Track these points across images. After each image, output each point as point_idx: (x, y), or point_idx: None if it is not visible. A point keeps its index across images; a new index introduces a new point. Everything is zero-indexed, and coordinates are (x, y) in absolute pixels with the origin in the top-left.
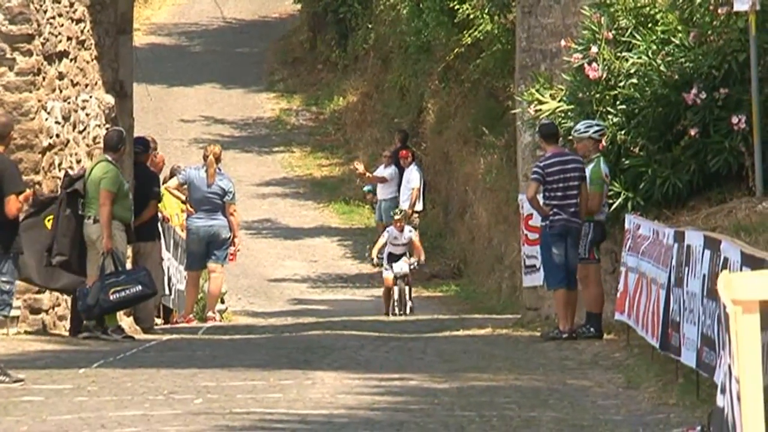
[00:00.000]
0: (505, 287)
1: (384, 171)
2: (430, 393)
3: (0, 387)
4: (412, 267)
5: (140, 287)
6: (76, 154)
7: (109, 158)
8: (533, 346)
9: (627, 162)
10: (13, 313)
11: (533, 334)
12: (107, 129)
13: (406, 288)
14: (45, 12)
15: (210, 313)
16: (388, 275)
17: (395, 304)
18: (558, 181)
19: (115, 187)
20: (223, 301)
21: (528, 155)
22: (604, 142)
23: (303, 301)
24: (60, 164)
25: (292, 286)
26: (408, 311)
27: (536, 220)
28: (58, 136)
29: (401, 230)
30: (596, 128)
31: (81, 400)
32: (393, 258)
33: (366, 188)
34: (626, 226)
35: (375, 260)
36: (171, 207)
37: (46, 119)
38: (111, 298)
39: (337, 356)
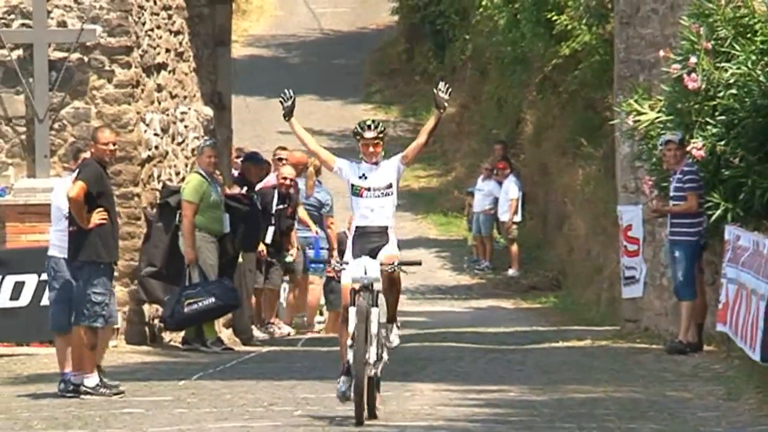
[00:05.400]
0: (603, 299)
1: (483, 184)
2: (530, 405)
3: (100, 399)
4: (390, 270)
5: (213, 299)
6: (174, 166)
7: (200, 169)
8: (632, 358)
9: (726, 173)
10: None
11: (632, 345)
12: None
13: (374, 311)
14: (143, 24)
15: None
16: (345, 282)
17: (347, 347)
18: (701, 187)
19: (195, 198)
20: (321, 313)
21: (626, 166)
22: (703, 153)
23: (401, 312)
24: (159, 176)
25: None
26: (376, 365)
27: (635, 232)
28: (156, 148)
29: (375, 161)
30: None
31: (180, 411)
32: (361, 242)
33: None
34: (726, 237)
35: (333, 264)
36: None
37: (145, 131)
38: (185, 310)
39: (436, 368)
